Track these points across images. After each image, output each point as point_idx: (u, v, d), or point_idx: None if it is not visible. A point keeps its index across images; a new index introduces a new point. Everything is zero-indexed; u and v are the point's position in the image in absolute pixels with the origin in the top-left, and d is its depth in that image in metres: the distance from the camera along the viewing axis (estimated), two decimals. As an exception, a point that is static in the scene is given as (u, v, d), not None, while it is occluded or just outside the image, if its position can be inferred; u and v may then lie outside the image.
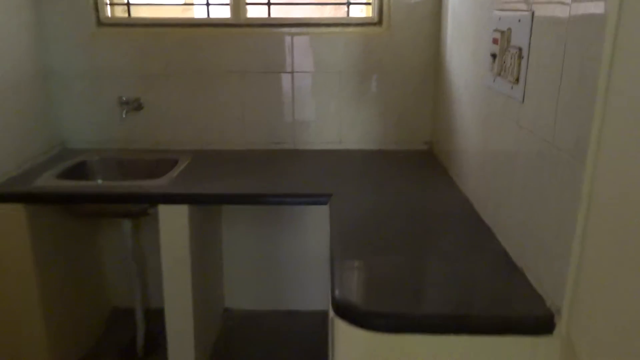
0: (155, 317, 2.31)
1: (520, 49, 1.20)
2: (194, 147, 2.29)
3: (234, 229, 2.43)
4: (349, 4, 2.26)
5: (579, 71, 0.92)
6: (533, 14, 1.13)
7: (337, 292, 1.12)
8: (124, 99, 2.19)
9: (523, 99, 1.19)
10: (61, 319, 2.04)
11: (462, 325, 1.04)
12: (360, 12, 2.30)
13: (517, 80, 1.21)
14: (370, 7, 2.21)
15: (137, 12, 2.30)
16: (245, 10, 2.21)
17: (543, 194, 1.07)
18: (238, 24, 2.20)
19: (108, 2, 2.21)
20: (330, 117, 2.27)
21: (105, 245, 2.42)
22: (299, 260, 2.45)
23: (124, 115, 2.15)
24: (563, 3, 0.99)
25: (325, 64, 2.21)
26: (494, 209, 1.42)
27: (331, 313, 1.14)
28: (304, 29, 2.18)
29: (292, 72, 2.22)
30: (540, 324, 1.02)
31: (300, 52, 2.20)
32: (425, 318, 1.05)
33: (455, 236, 1.43)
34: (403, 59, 2.19)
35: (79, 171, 2.09)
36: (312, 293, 2.49)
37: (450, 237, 1.43)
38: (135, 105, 2.21)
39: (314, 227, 2.40)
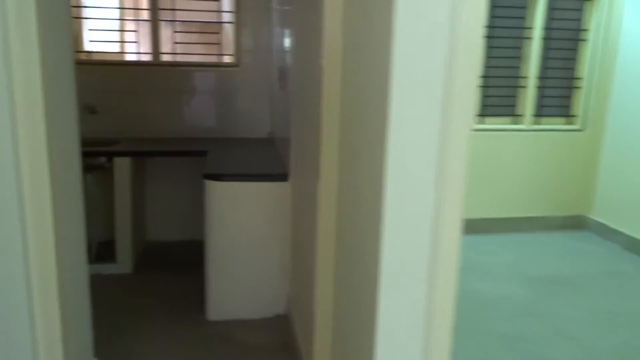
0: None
1: (285, 74, 2.93)
2: (134, 135, 3.81)
3: (154, 179, 3.94)
4: (220, 55, 3.96)
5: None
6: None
7: (206, 170, 2.74)
8: (85, 104, 3.69)
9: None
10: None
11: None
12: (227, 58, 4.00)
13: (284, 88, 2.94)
14: (233, 56, 3.93)
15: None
16: (160, 56, 3.83)
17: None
18: (156, 64, 3.81)
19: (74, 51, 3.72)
20: (206, 110, 3.92)
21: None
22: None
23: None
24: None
25: (202, 87, 3.88)
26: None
27: (205, 182, 2.75)
28: (195, 68, 3.84)
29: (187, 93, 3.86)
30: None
31: (194, 80, 3.85)
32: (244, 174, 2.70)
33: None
34: (252, 84, 3.91)
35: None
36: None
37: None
38: (92, 110, 3.70)
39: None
